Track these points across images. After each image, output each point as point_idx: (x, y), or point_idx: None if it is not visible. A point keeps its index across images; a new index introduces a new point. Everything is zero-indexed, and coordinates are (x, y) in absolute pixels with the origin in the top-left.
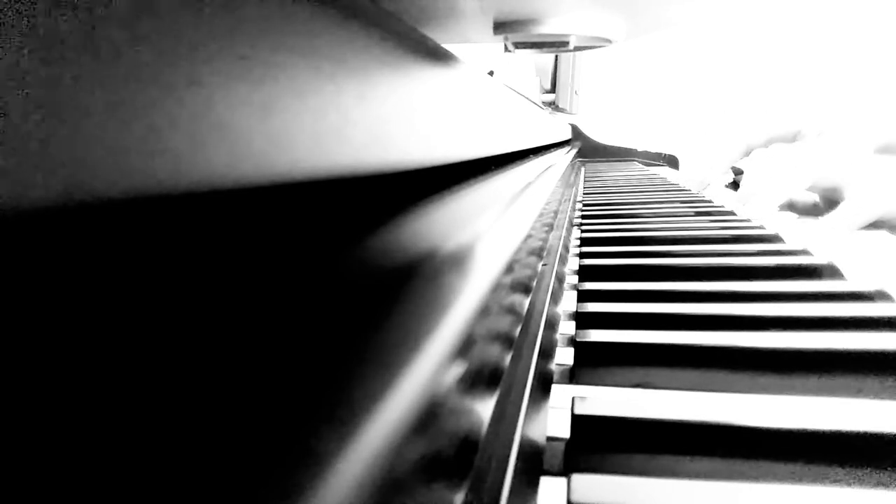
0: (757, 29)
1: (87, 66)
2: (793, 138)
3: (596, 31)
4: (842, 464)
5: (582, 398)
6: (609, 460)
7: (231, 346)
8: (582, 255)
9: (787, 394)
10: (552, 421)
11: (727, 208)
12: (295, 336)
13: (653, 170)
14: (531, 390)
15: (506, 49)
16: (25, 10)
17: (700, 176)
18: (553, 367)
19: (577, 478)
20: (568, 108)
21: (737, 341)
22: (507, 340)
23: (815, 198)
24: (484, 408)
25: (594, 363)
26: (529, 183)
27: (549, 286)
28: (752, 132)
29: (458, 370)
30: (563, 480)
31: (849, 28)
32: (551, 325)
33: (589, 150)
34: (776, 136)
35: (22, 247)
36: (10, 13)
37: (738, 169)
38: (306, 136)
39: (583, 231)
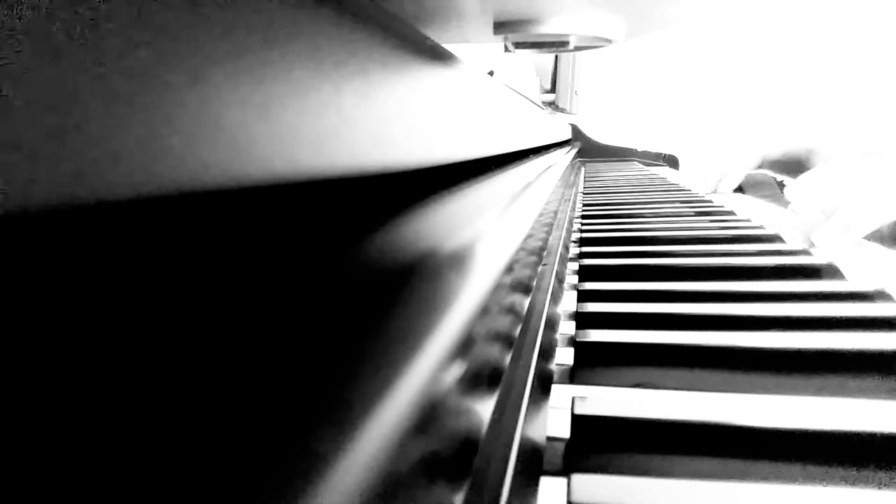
0: (757, 28)
1: (88, 65)
2: (806, 155)
3: (596, 31)
4: (842, 464)
5: (582, 398)
6: (609, 460)
7: (231, 346)
8: (582, 255)
9: (787, 394)
10: (552, 421)
11: (727, 208)
12: (295, 336)
13: (653, 170)
14: (531, 390)
15: (506, 49)
16: (25, 10)
17: (714, 185)
18: (553, 367)
19: (577, 478)
20: (568, 108)
21: (737, 341)
22: (507, 340)
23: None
24: (484, 408)
25: (594, 363)
26: (529, 183)
27: (549, 286)
28: (768, 145)
29: (458, 370)
30: (563, 480)
31: (849, 27)
32: (551, 325)
33: (589, 150)
34: (790, 150)
35: (22, 247)
36: (9, 13)
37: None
38: (306, 135)
39: (583, 231)
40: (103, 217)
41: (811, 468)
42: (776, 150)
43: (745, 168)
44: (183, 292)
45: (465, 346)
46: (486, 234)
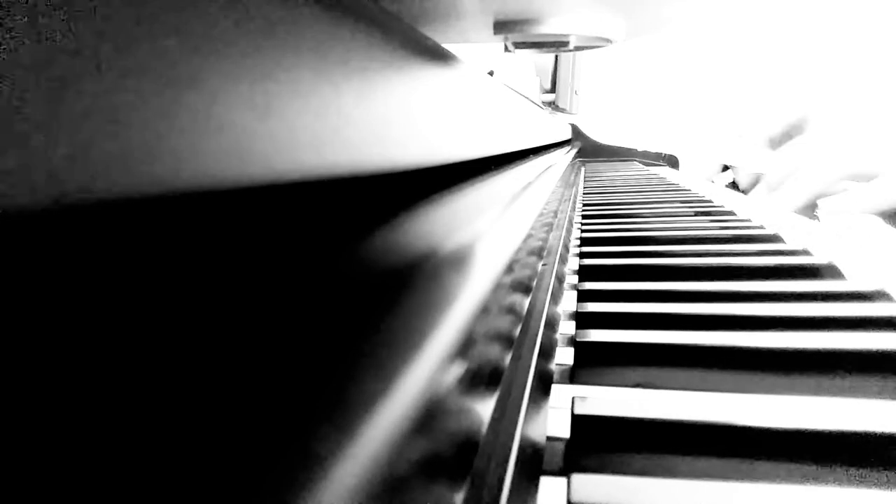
0: (758, 28)
1: (87, 65)
2: (795, 126)
3: (596, 31)
4: (842, 464)
5: (582, 398)
6: (609, 460)
7: (230, 347)
8: (582, 255)
9: (787, 394)
10: (552, 421)
11: (727, 208)
12: (295, 336)
13: (653, 170)
14: (531, 390)
15: (506, 49)
16: (25, 9)
17: (704, 173)
18: (553, 367)
19: (577, 478)
20: (568, 108)
21: (737, 341)
22: (507, 340)
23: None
24: (484, 408)
25: (594, 363)
26: (529, 183)
27: (549, 286)
28: (754, 131)
29: (458, 370)
30: (563, 480)
31: (851, 28)
32: (551, 325)
33: (589, 150)
34: (775, 132)
35: (22, 247)
36: (9, 12)
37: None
38: (306, 135)
39: (583, 231)
40: (102, 217)
41: (811, 468)
42: (763, 134)
43: (725, 158)
44: (182, 292)
45: (465, 346)
46: (486, 234)
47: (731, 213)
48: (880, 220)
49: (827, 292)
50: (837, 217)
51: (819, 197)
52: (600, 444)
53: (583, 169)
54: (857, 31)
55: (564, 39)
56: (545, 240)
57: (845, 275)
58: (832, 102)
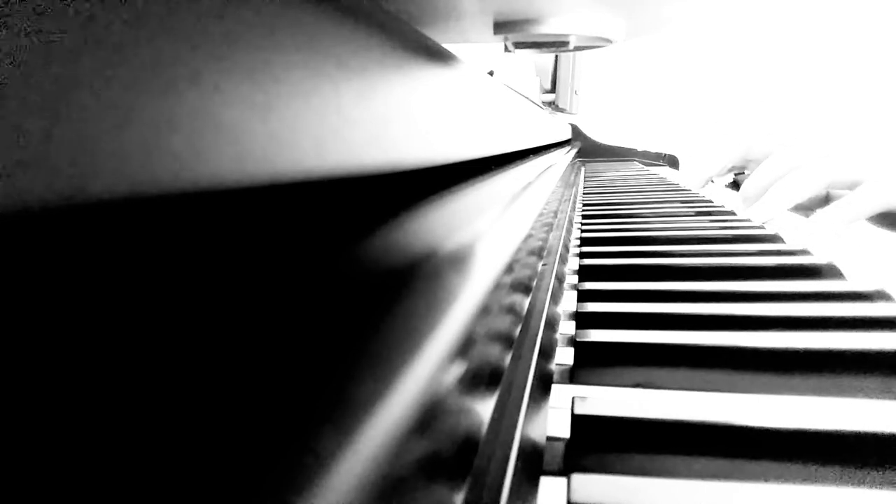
0: (756, 27)
1: (87, 65)
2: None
3: (596, 31)
4: (842, 464)
5: (582, 398)
6: (609, 460)
7: (230, 347)
8: (582, 255)
9: (787, 394)
10: (552, 421)
11: (727, 208)
12: (295, 336)
13: (653, 170)
14: (531, 390)
15: (506, 49)
16: (25, 9)
17: (700, 175)
18: (553, 367)
19: (577, 478)
20: (568, 108)
21: (737, 341)
22: (507, 340)
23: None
24: (484, 408)
25: (594, 363)
26: (529, 183)
27: (549, 286)
28: (754, 137)
29: (458, 370)
30: (563, 480)
31: (850, 29)
32: (551, 325)
33: (589, 150)
34: (777, 143)
35: (22, 247)
36: (9, 12)
37: (740, 170)
38: (306, 135)
39: (583, 231)
40: (102, 217)
41: (811, 468)
42: (761, 145)
43: (728, 160)
44: (183, 292)
45: (465, 346)
46: (486, 234)
47: (731, 212)
48: (869, 224)
49: (827, 292)
50: (834, 227)
51: (798, 206)
52: (600, 444)
53: (583, 169)
54: (847, 35)
55: (564, 39)
56: (545, 240)
57: (845, 275)
58: (814, 109)
